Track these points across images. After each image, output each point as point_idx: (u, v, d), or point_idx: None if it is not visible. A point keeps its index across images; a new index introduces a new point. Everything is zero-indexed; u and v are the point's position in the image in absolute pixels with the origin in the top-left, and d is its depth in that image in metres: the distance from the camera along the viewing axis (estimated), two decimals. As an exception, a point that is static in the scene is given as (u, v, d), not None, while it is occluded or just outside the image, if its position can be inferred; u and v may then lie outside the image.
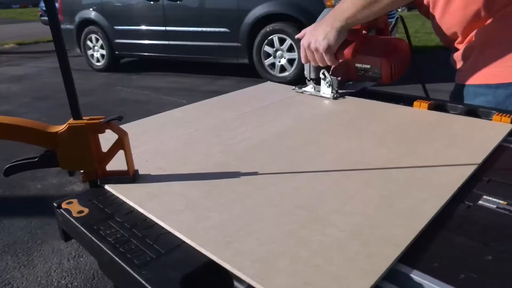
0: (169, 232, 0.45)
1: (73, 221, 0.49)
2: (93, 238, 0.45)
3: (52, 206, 0.53)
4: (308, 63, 0.96)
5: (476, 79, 0.86)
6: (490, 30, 0.81)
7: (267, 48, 4.23)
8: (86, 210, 0.50)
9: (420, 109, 0.81)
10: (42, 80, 5.08)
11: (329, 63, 0.86)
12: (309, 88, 0.99)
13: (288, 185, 0.53)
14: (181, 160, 0.62)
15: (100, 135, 0.54)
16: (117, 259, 0.41)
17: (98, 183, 0.56)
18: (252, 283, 0.37)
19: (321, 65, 0.89)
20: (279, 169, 0.58)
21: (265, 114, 0.82)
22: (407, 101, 0.86)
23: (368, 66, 0.91)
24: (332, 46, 0.83)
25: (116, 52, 5.26)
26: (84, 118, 0.53)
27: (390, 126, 0.72)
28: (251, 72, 4.50)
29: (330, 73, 0.94)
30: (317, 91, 0.97)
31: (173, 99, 3.95)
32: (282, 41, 4.14)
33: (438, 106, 0.82)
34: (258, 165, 0.59)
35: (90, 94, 4.21)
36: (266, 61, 4.29)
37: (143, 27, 4.91)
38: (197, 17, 4.52)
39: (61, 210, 0.51)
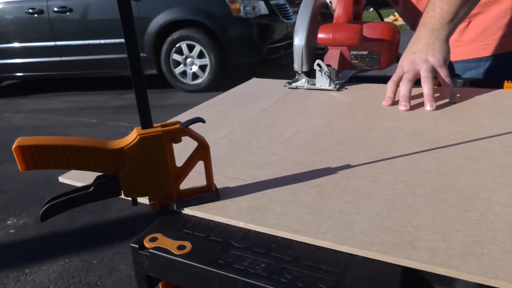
0: (322, 248, 0.36)
1: (183, 260, 0.36)
2: (235, 276, 0.34)
3: (131, 248, 0.39)
4: (301, 54, 0.90)
5: (464, 55, 0.91)
6: None
7: (176, 56, 4.08)
8: (188, 244, 0.38)
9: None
10: None
11: (447, 79, 0.71)
12: (302, 82, 0.92)
13: (398, 171, 0.48)
14: (249, 164, 0.52)
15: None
16: (290, 294, 0.31)
17: (175, 208, 0.44)
18: (485, 281, 0.31)
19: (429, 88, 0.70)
20: (368, 158, 0.52)
21: (287, 108, 0.75)
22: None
23: (366, 53, 0.89)
24: (447, 57, 0.72)
25: (-6, 75, 4.55)
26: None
27: (420, 104, 0.72)
28: (160, 82, 4.29)
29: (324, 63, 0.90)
30: (312, 84, 0.90)
31: (80, 119, 3.55)
32: (191, 47, 4.03)
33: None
34: (342, 157, 0.53)
35: (-29, 126, 3.55)
36: (176, 69, 4.13)
37: (27, 44, 4.32)
38: (92, 28, 4.14)
39: (151, 250, 0.38)
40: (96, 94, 4.47)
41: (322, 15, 0.98)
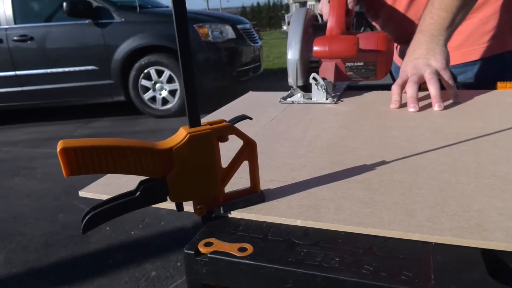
0: (390, 238, 0.35)
1: (249, 262, 0.34)
2: (312, 272, 0.32)
3: (185, 255, 0.36)
4: (295, 68, 0.88)
5: (452, 61, 0.94)
6: None
7: (145, 82, 4.03)
8: (248, 246, 0.36)
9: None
10: None
11: (450, 81, 0.74)
12: (298, 97, 0.89)
13: (435, 164, 0.48)
14: (282, 167, 0.51)
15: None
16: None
17: (222, 212, 0.41)
18: None
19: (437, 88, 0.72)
20: (400, 154, 0.52)
21: (296, 116, 0.75)
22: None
23: (361, 64, 0.89)
24: (448, 60, 0.75)
25: None
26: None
27: (427, 105, 0.74)
28: (128, 109, 4.21)
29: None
30: (308, 98, 0.88)
31: (46, 150, 3.38)
32: (160, 73, 4.00)
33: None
34: (373, 155, 0.52)
35: None
36: (145, 95, 4.07)
37: (-16, 75, 4.12)
38: (54, 57, 4.02)
39: (209, 255, 0.35)
40: (62, 124, 4.30)
41: (313, 28, 0.99)
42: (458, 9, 0.73)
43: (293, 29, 0.88)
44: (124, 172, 0.36)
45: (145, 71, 3.98)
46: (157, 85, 4.04)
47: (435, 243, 0.34)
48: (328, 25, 0.90)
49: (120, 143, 0.35)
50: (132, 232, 1.99)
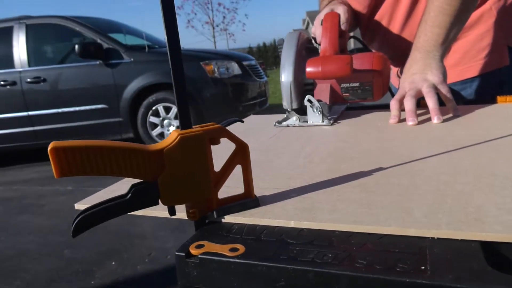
0: (386, 235, 0.34)
1: (241, 261, 0.33)
2: (305, 268, 0.31)
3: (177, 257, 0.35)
4: (289, 91, 0.85)
5: (450, 79, 0.95)
6: None
7: (153, 119, 4.10)
8: (240, 247, 0.35)
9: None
10: None
11: (448, 95, 0.74)
12: (293, 120, 0.86)
13: (434, 167, 0.47)
14: (278, 176, 0.50)
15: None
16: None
17: (215, 216, 0.40)
18: None
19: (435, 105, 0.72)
20: (399, 161, 0.51)
21: (295, 134, 0.75)
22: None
23: (357, 84, 0.88)
24: (445, 74, 0.76)
25: (-39, 148, 4.37)
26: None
27: (426, 119, 0.73)
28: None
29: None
30: (304, 121, 0.84)
31: (55, 187, 3.40)
32: (167, 109, 4.08)
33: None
34: (371, 162, 0.52)
35: None
36: (153, 131, 4.12)
37: (-2, 116, 4.24)
38: (67, 96, 4.14)
39: (200, 256, 0.34)
40: (71, 162, 4.34)
41: (307, 50, 0.98)
42: (451, 25, 0.75)
43: (286, 52, 0.87)
44: (115, 174, 0.36)
45: (153, 108, 4.06)
46: (165, 121, 4.10)
47: (432, 239, 0.33)
48: (322, 46, 0.90)
49: (111, 144, 0.35)
50: (138, 266, 1.96)
